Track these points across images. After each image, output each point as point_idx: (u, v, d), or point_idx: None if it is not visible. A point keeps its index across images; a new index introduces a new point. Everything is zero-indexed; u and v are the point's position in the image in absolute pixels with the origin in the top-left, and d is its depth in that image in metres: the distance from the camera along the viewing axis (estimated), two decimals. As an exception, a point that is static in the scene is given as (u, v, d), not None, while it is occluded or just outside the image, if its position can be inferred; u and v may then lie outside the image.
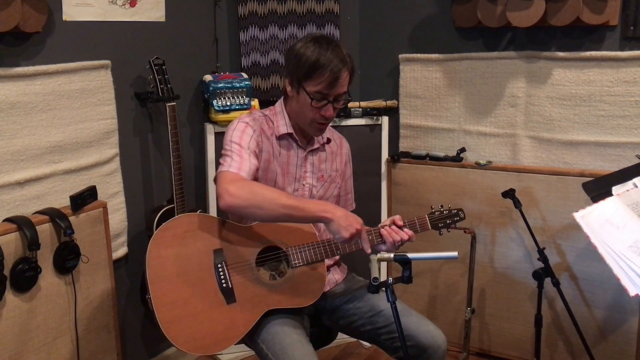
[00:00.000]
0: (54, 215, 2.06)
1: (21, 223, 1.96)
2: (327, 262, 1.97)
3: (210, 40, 2.78)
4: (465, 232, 2.54)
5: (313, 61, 1.80)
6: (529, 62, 2.58)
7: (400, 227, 1.86)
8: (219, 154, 2.59)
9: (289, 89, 1.90)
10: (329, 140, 2.04)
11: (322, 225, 2.03)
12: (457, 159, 2.78)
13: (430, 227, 1.95)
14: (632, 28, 2.36)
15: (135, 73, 2.45)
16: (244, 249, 1.83)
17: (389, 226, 1.85)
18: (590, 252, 2.41)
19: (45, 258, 2.04)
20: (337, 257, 2.07)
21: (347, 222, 1.71)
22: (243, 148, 1.83)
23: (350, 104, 2.80)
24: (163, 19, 2.54)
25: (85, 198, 2.20)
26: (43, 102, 2.10)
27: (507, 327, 2.76)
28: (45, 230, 2.03)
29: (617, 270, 1.68)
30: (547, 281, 2.35)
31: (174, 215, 2.37)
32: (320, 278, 1.89)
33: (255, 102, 2.70)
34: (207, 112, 2.73)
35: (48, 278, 2.07)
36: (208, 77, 2.65)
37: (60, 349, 2.14)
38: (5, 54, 2.00)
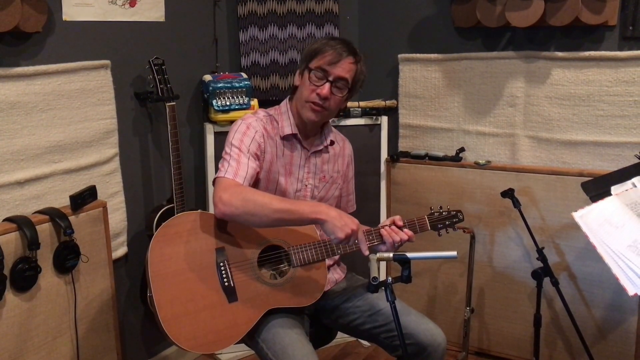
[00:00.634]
0: (53, 215, 2.06)
1: (21, 223, 1.96)
2: (327, 261, 1.98)
3: (210, 40, 2.78)
4: (464, 231, 2.54)
5: (320, 45, 1.88)
6: (528, 62, 2.59)
7: (400, 228, 1.86)
8: (218, 153, 2.61)
9: (297, 78, 1.93)
10: (332, 142, 2.04)
11: (322, 225, 2.04)
12: (456, 158, 2.78)
13: (429, 228, 1.96)
14: (630, 28, 2.36)
15: (135, 73, 2.46)
16: (246, 248, 1.83)
17: (389, 226, 1.86)
18: (589, 251, 2.41)
19: (45, 258, 2.04)
20: (337, 257, 2.08)
21: (341, 222, 1.70)
22: (242, 152, 1.83)
23: (349, 104, 2.80)
24: (163, 19, 2.54)
25: (85, 198, 2.20)
26: (43, 102, 2.10)
27: (506, 326, 2.77)
28: (45, 230, 2.03)
29: (616, 270, 1.69)
30: (546, 281, 2.35)
31: (174, 215, 2.37)
32: (321, 278, 1.89)
33: (254, 102, 2.70)
34: (206, 112, 2.73)
35: (48, 278, 2.07)
36: (208, 77, 2.66)
37: (60, 348, 2.14)
38: (5, 54, 2.00)
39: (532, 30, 2.54)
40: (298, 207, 1.74)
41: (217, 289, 1.78)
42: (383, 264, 3.02)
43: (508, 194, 2.42)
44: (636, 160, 2.12)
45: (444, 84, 2.80)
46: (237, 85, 2.62)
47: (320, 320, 2.05)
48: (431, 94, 2.84)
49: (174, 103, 2.39)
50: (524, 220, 2.40)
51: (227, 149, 1.86)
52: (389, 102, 2.91)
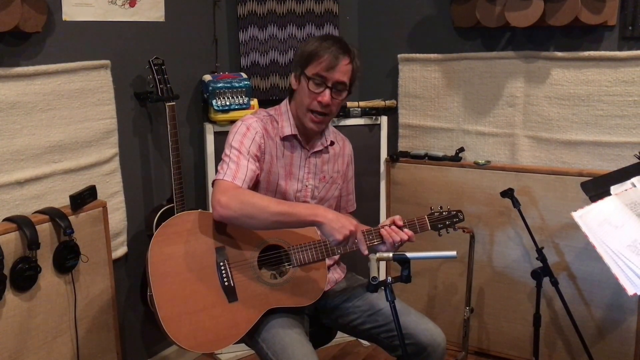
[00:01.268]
0: (53, 215, 2.06)
1: (21, 222, 1.96)
2: (327, 261, 1.98)
3: (210, 40, 2.79)
4: (464, 231, 2.55)
5: (314, 47, 1.86)
6: (528, 62, 2.59)
7: (400, 228, 1.86)
8: (218, 153, 2.61)
9: (293, 82, 1.92)
10: (332, 143, 2.04)
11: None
12: (456, 158, 2.78)
13: (429, 228, 1.96)
14: (630, 28, 2.37)
15: (134, 73, 2.46)
16: (246, 248, 1.83)
17: (389, 226, 1.86)
18: (589, 251, 2.41)
19: (45, 257, 2.04)
20: (337, 257, 2.08)
21: (339, 224, 1.70)
22: (242, 154, 1.83)
23: (349, 104, 2.81)
24: (162, 19, 2.54)
25: (85, 197, 2.20)
26: (43, 102, 2.11)
27: (505, 326, 2.77)
28: (45, 230, 2.04)
29: (615, 270, 1.69)
30: (546, 280, 2.35)
31: (174, 215, 2.37)
32: (321, 277, 1.89)
33: (254, 102, 2.70)
34: (206, 112, 2.73)
35: (48, 277, 2.07)
36: (207, 77, 2.66)
37: (60, 348, 2.15)
38: (5, 54, 2.00)
39: (531, 30, 2.54)
40: (296, 209, 1.75)
41: (217, 288, 1.78)
42: (383, 264, 3.02)
43: (508, 193, 2.43)
44: (636, 160, 2.12)
45: (444, 84, 2.80)
46: (236, 85, 2.62)
47: (320, 320, 2.05)
48: (431, 94, 2.85)
49: (173, 103, 2.39)
50: (524, 220, 2.40)
51: (226, 150, 1.86)
52: (388, 102, 2.91)
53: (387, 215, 2.93)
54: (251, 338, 1.84)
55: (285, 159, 1.94)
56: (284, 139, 1.94)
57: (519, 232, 2.63)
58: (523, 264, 2.65)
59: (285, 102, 1.99)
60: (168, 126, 2.38)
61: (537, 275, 2.35)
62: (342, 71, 1.85)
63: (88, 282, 2.22)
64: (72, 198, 2.16)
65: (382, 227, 1.87)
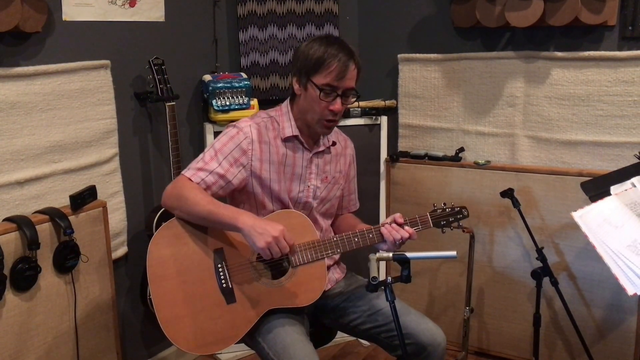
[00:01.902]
0: (53, 215, 2.06)
1: (21, 222, 1.96)
2: (327, 261, 1.97)
3: (210, 40, 2.79)
4: (464, 231, 2.53)
5: (320, 54, 1.81)
6: (528, 62, 2.59)
7: (400, 225, 1.86)
8: (218, 153, 2.61)
9: (296, 87, 1.89)
10: (334, 143, 2.04)
11: (324, 224, 2.04)
12: (455, 158, 2.78)
13: (432, 225, 1.93)
14: (630, 28, 2.37)
15: (134, 73, 2.46)
16: (245, 249, 1.83)
17: (390, 224, 1.85)
18: (589, 251, 2.41)
19: (45, 257, 2.04)
20: (337, 257, 2.08)
21: (260, 229, 1.68)
22: (216, 156, 1.83)
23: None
24: (162, 19, 2.54)
25: (84, 197, 2.20)
26: (43, 102, 2.11)
27: (505, 326, 2.77)
28: (45, 230, 2.04)
29: (615, 270, 1.69)
30: (546, 280, 2.35)
31: (173, 215, 2.37)
32: (320, 277, 1.89)
33: (254, 102, 2.70)
34: (206, 112, 2.73)
35: (48, 277, 2.07)
36: (207, 77, 2.66)
37: (60, 348, 2.15)
38: (5, 54, 2.00)
39: (531, 30, 2.54)
40: (220, 211, 1.75)
41: (216, 290, 1.78)
42: (383, 264, 3.02)
43: (508, 193, 2.43)
44: (636, 160, 2.12)
45: (444, 84, 2.80)
46: (236, 85, 2.62)
47: (320, 320, 2.05)
48: (431, 94, 2.85)
49: (173, 103, 2.40)
50: (524, 220, 2.40)
51: (207, 148, 1.88)
52: (388, 102, 2.91)
53: (387, 216, 2.92)
54: (252, 338, 1.83)
55: (288, 159, 1.93)
56: (286, 140, 1.93)
57: (519, 232, 2.63)
58: (523, 264, 2.65)
59: (286, 103, 1.98)
60: (168, 126, 2.38)
61: (537, 275, 2.35)
62: (351, 77, 1.84)
63: (88, 282, 2.22)
64: (72, 198, 2.16)
65: (383, 225, 1.87)
